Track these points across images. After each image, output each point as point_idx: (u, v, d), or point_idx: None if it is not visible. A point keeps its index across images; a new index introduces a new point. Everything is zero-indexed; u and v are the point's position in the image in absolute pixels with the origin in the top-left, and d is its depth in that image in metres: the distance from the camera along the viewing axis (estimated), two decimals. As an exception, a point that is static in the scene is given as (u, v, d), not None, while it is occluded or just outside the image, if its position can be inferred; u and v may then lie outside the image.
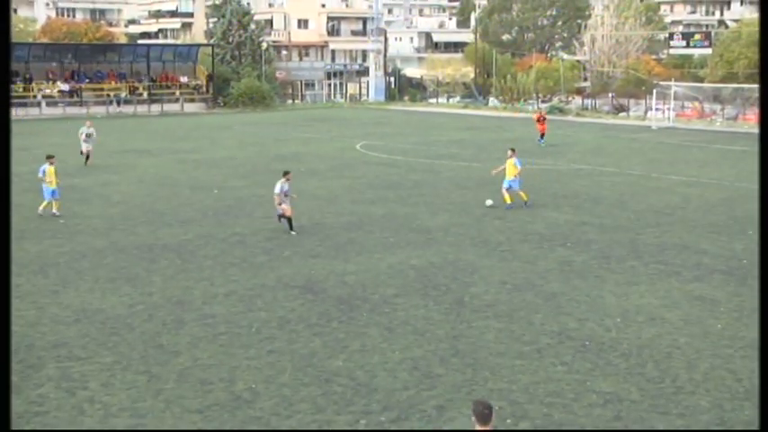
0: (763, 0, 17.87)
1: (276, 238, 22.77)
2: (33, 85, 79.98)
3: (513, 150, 27.82)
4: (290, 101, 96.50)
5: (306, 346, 14.20)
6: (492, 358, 13.58)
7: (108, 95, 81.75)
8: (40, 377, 12.80)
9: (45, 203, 25.94)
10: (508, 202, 26.99)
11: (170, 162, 40.68)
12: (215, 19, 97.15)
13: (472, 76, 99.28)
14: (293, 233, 23.03)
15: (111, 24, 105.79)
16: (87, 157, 38.98)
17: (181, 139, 53.48)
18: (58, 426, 11.15)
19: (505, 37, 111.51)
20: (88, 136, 39.43)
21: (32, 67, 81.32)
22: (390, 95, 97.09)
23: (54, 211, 25.89)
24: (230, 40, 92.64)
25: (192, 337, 14.67)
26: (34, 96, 79.01)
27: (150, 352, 13.91)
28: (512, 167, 27.16)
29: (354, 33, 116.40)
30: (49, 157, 26.44)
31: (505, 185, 27.22)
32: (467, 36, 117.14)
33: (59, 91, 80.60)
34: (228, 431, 10.93)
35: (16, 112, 75.15)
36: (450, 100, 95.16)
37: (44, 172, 25.81)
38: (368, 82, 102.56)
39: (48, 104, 78.94)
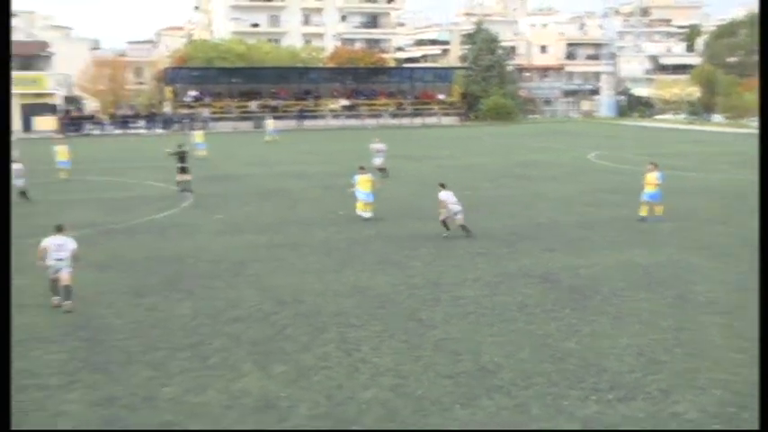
0: (763, 0, 15.73)
1: (518, 234, 22.61)
2: (321, 101, 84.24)
3: (654, 164, 24.79)
4: (531, 116, 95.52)
5: (542, 327, 14.00)
6: (714, 350, 12.78)
7: (379, 110, 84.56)
8: (324, 339, 13.44)
9: (360, 204, 25.05)
10: (643, 214, 24.41)
11: (429, 166, 41.47)
12: (468, 46, 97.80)
13: (698, 95, 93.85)
14: (445, 235, 22.01)
15: (383, 51, 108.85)
16: (381, 170, 35.29)
17: (438, 147, 54.35)
18: (337, 378, 11.63)
19: (732, 59, 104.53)
20: (378, 152, 36.54)
21: (321, 88, 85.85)
22: (621, 112, 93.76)
23: (362, 212, 24.79)
24: (480, 63, 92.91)
25: (446, 314, 14.86)
26: (322, 110, 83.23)
27: (411, 324, 14.22)
28: (651, 179, 24.36)
29: (589, 57, 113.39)
30: (361, 168, 25.62)
31: (645, 197, 24.49)
32: (692, 59, 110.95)
33: (341, 106, 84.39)
34: (244, 431, 10.45)
35: (308, 123, 79.73)
36: (676, 116, 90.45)
37: (356, 179, 25.19)
38: (599, 100, 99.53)
39: (332, 117, 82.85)
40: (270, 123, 63.81)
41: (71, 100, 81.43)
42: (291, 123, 79.49)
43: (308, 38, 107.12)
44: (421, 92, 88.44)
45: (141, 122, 78.29)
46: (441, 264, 18.90)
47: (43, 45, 75.06)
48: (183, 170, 32.00)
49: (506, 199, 29.44)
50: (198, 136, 47.57)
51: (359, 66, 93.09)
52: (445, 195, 22.09)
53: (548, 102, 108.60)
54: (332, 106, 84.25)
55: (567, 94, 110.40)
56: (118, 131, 75.36)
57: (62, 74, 78.82)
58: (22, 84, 70.73)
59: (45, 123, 71.51)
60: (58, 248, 15.63)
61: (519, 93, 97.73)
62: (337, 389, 11.25)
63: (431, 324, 14.22)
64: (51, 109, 73.03)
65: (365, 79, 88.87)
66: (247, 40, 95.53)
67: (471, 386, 11.35)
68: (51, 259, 15.50)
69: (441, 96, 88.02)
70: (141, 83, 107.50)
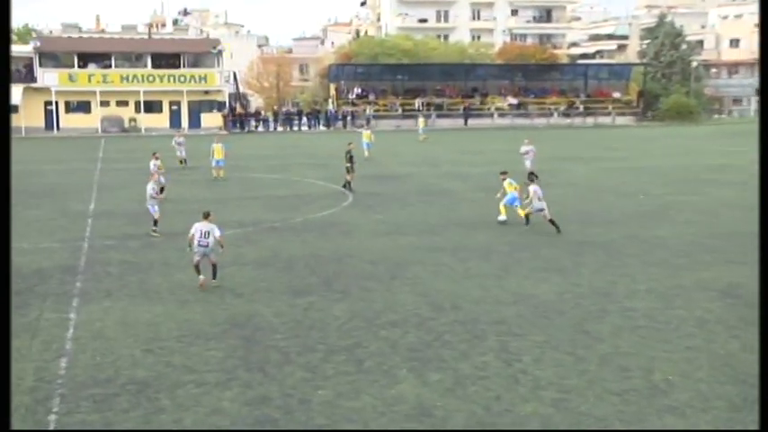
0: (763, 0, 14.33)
1: (696, 243, 21.54)
2: (488, 99, 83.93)
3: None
4: (716, 116, 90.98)
5: (723, 346, 13.23)
6: None
7: (548, 109, 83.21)
8: (483, 347, 13.29)
9: (519, 209, 24.61)
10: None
11: (599, 169, 40.35)
12: (648, 40, 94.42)
13: None
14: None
15: (555, 47, 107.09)
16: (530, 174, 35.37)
17: (610, 148, 52.80)
18: (495, 389, 11.47)
19: None
20: (525, 154, 36.99)
21: (488, 85, 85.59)
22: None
23: (520, 216, 24.36)
24: (662, 59, 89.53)
25: (614, 326, 14.36)
26: (488, 108, 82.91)
27: (576, 336, 13.84)
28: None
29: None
30: (503, 173, 25.40)
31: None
32: None
33: (509, 104, 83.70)
34: (224, 431, 10.28)
35: (473, 122, 79.58)
36: None
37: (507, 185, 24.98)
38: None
39: (498, 116, 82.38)
40: (421, 122, 64.16)
41: (237, 97, 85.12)
42: (457, 122, 79.66)
43: (476, 33, 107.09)
44: (595, 90, 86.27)
45: (304, 120, 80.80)
46: (609, 273, 18.30)
47: (214, 42, 78.94)
48: (349, 169, 32.76)
49: (685, 205, 28.15)
50: (366, 135, 48.39)
51: (529, 62, 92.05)
52: (534, 189, 23.07)
53: (737, 100, 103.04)
54: (499, 104, 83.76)
55: (759, 91, 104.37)
56: (281, 129, 78.16)
57: (230, 71, 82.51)
58: (191, 80, 74.84)
59: (211, 120, 75.27)
60: (204, 235, 17.16)
61: (704, 91, 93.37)
62: (495, 400, 11.11)
63: (598, 336, 13.78)
64: (219, 106, 76.62)
65: (535, 76, 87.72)
66: (414, 35, 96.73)
67: (640, 405, 10.89)
68: (197, 245, 17.14)
69: (616, 95, 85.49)
70: (306, 80, 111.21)
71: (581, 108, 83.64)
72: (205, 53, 76.34)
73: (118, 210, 28.17)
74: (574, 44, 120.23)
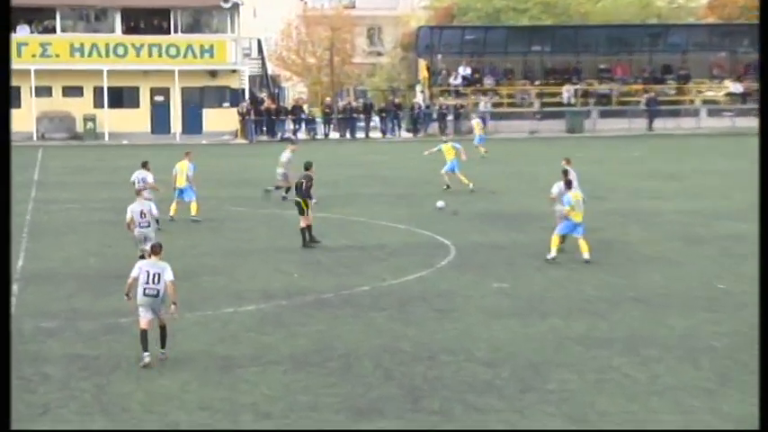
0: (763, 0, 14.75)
1: None
2: (691, 85, 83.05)
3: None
4: None
5: None
6: None
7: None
8: None
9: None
10: None
11: None
12: None
13: None
14: None
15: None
16: None
17: None
18: None
19: None
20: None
21: (691, 60, 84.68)
22: None
23: None
24: None
25: None
26: (691, 101, 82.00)
27: None
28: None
29: None
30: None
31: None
32: None
33: (728, 93, 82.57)
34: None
35: (665, 124, 78.77)
36: None
37: None
38: None
39: (709, 113, 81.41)
40: (476, 126, 63.48)
41: (265, 82, 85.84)
42: (636, 123, 79.19)
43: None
44: None
45: (375, 120, 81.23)
46: None
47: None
48: None
49: None
50: (448, 149, 46.59)
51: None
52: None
53: None
54: (710, 94, 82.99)
55: None
56: (336, 135, 78.81)
57: (253, 38, 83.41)
58: (188, 54, 74.91)
59: (221, 120, 75.64)
60: (153, 279, 18.43)
61: None
62: None
63: None
64: (233, 97, 77.13)
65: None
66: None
67: None
68: (141, 294, 18.56)
69: None
70: (378, 53, 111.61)
71: None
72: (211, 8, 76.91)
73: (63, 269, 28.45)
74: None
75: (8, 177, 14.00)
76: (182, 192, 36.64)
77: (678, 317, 22.84)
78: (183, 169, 36.76)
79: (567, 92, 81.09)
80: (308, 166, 32.62)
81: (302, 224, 31.63)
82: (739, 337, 21.10)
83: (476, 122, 62.21)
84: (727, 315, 23.09)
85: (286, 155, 41.98)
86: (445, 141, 44.85)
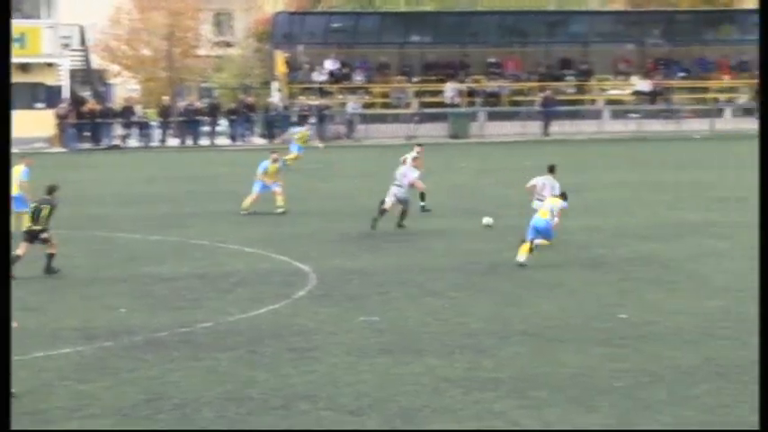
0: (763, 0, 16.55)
1: None
2: (593, 82, 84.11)
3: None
4: None
5: None
6: None
7: (714, 100, 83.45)
8: None
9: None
10: None
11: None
12: None
13: None
14: None
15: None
16: None
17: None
18: None
19: None
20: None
21: (592, 54, 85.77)
22: None
23: None
24: None
25: None
26: (593, 101, 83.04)
27: None
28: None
29: None
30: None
31: None
32: None
33: (634, 92, 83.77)
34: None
35: (561, 128, 79.68)
36: None
37: None
38: None
39: (614, 115, 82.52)
40: (299, 136, 63.12)
41: (87, 77, 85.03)
42: (528, 128, 79.92)
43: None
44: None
45: (222, 124, 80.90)
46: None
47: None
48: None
49: None
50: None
51: (676, 7, 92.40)
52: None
53: None
54: (614, 92, 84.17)
55: None
56: (175, 141, 78.47)
57: (75, 25, 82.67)
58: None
59: (33, 123, 74.37)
60: None
61: None
62: None
63: None
64: (49, 96, 76.25)
65: (688, 35, 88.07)
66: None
67: None
68: None
69: None
70: (227, 44, 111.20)
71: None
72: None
73: None
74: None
75: (8, 177, 14.14)
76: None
77: (573, 352, 23.01)
78: (15, 175, 36.52)
79: (450, 90, 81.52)
80: (51, 190, 32.68)
81: (49, 251, 31.98)
82: (642, 375, 21.46)
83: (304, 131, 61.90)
84: (629, 349, 23.33)
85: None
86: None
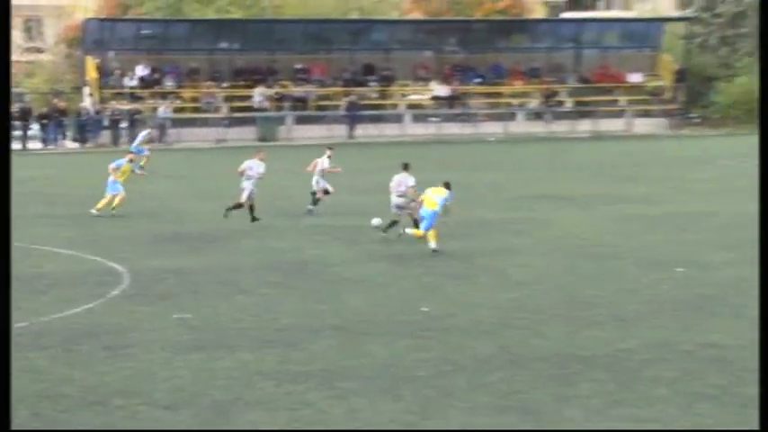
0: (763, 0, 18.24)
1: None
2: (395, 87, 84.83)
3: None
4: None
5: None
6: None
7: (507, 106, 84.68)
8: None
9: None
10: None
11: (605, 218, 41.57)
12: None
13: None
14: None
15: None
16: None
17: (625, 179, 54.34)
18: None
19: None
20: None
21: (395, 60, 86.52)
22: None
23: None
24: (718, 10, 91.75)
25: None
26: (394, 106, 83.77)
27: None
28: None
29: None
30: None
31: None
32: None
33: (434, 97, 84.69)
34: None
35: (366, 131, 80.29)
36: None
37: None
38: None
39: (415, 119, 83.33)
40: (147, 139, 61.60)
41: None
42: (335, 131, 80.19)
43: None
44: (596, 69, 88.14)
45: (34, 128, 79.73)
46: (623, 412, 18.80)
47: None
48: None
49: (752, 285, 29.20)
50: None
51: (472, 17, 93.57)
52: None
53: None
54: (414, 97, 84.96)
55: None
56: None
57: None
58: None
59: None
60: None
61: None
62: None
63: None
64: None
65: (484, 44, 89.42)
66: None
67: None
68: None
69: (633, 78, 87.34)
70: (38, 49, 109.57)
71: (569, 104, 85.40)
72: None
73: None
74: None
75: (8, 178, 15.63)
76: None
77: (380, 345, 23.54)
78: None
79: (258, 95, 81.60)
80: None
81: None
82: (444, 364, 22.00)
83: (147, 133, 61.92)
84: (433, 341, 23.90)
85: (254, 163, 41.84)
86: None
